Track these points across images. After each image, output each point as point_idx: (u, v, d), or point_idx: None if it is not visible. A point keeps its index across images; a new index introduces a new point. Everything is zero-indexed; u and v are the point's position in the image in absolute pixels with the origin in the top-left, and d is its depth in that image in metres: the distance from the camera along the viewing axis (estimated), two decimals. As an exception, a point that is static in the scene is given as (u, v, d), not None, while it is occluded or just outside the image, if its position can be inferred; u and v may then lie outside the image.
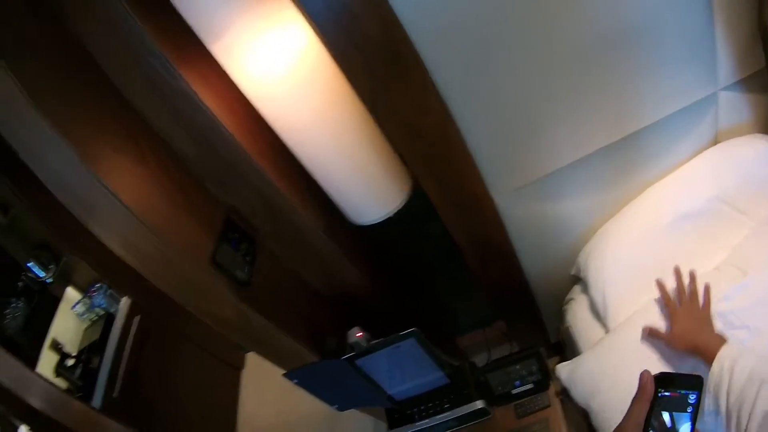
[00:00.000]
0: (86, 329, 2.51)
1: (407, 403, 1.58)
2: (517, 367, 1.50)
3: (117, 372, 2.33)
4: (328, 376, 1.49)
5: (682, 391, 0.64)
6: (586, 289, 1.50)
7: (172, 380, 2.57)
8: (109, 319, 2.44)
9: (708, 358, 1.03)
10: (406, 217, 1.40)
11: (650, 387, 0.64)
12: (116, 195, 1.05)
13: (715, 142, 1.45)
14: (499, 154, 1.29)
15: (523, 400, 1.55)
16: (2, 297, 2.22)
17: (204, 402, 2.74)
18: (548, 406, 1.53)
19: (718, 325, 1.17)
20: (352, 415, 1.88)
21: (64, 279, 2.46)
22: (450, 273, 1.87)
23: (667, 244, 1.38)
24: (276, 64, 1.11)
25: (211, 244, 1.27)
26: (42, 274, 2.37)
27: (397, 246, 1.77)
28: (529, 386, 1.53)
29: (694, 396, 0.63)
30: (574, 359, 1.42)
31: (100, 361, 2.34)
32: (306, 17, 1.08)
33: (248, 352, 3.09)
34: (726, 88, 1.34)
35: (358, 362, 1.42)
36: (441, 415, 1.53)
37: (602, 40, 1.14)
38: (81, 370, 2.35)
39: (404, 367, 1.48)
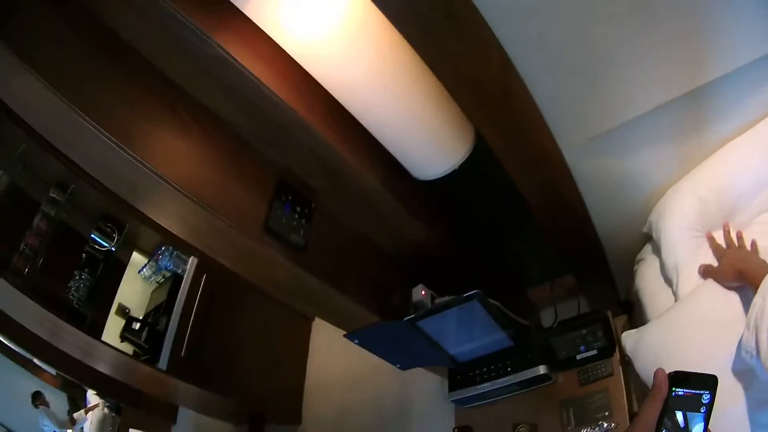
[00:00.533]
0: (153, 291, 2.60)
1: (470, 365, 1.56)
2: (583, 332, 1.44)
3: (185, 332, 2.40)
4: (390, 337, 1.48)
5: (697, 391, 0.64)
6: (657, 250, 1.41)
7: (242, 334, 2.61)
8: (176, 279, 2.50)
9: (755, 283, 1.01)
10: (472, 167, 1.33)
11: (665, 386, 0.64)
12: (161, 174, 1.04)
13: None
14: (567, 104, 1.19)
15: (587, 366, 1.48)
16: (66, 271, 2.33)
17: (274, 354, 2.78)
18: (612, 374, 1.45)
19: None
20: (419, 371, 1.88)
21: (129, 245, 2.55)
22: (519, 224, 1.78)
23: (745, 206, 1.28)
24: (319, 23, 1.05)
25: (264, 209, 1.25)
26: (106, 243, 2.46)
27: (462, 198, 1.70)
28: (594, 352, 1.46)
29: (708, 396, 0.63)
30: (639, 329, 1.34)
31: (167, 323, 2.43)
32: None
33: None
34: None
35: (420, 323, 1.39)
36: (503, 379, 1.50)
37: None
38: (147, 332, 2.45)
39: (467, 329, 1.45)
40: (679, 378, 0.65)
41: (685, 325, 1.23)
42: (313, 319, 3.12)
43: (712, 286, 1.22)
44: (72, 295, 2.22)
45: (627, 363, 1.39)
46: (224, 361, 2.54)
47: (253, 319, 2.75)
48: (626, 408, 1.38)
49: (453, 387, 1.58)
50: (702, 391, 0.64)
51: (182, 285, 2.53)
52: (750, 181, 1.29)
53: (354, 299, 1.41)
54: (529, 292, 2.11)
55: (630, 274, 1.57)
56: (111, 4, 1.06)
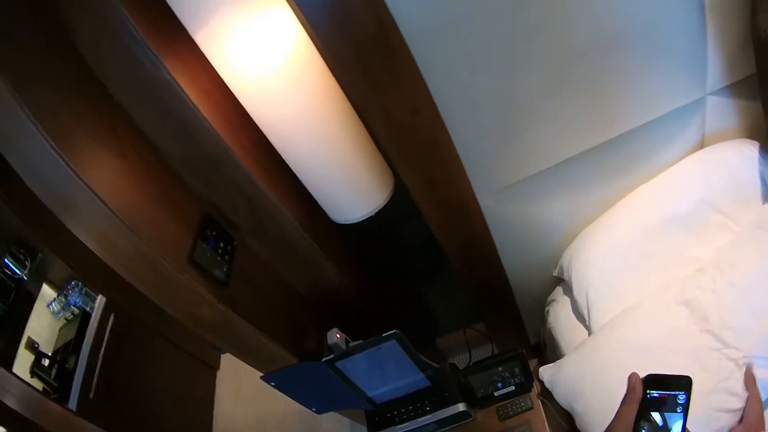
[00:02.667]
0: (62, 328, 2.45)
1: (388, 406, 1.57)
2: (500, 369, 1.49)
3: (93, 372, 2.29)
4: (307, 379, 1.46)
5: (671, 392, 0.64)
6: (569, 290, 1.50)
7: (147, 379, 2.54)
8: (84, 317, 2.38)
9: None
10: (388, 216, 1.38)
11: (639, 388, 0.65)
12: (93, 189, 0.99)
13: (702, 145, 1.46)
14: (485, 155, 1.28)
15: (506, 402, 1.54)
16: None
17: (180, 402, 2.70)
18: (531, 408, 1.52)
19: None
20: (330, 416, 1.86)
21: (40, 276, 2.39)
22: (431, 273, 1.86)
23: (652, 246, 1.38)
24: (263, 59, 1.08)
25: (189, 241, 1.23)
26: (18, 270, 2.30)
27: (378, 245, 1.75)
28: (511, 388, 1.52)
29: (684, 396, 0.63)
30: (557, 362, 1.42)
31: (76, 362, 2.29)
32: (297, 7, 1.04)
33: (224, 352, 3.06)
34: (714, 93, 1.35)
35: (338, 365, 1.39)
36: (422, 418, 1.51)
37: (593, 42, 1.14)
38: (56, 370, 2.29)
39: (385, 369, 1.46)
40: (653, 380, 0.66)
41: (603, 355, 1.31)
42: (218, 368, 3.08)
43: (626, 318, 1.31)
44: (-17, 320, 2.05)
45: (546, 395, 1.46)
46: (133, 405, 2.42)
47: (160, 365, 2.68)
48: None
49: (372, 429, 1.57)
50: (677, 392, 0.64)
51: (90, 323, 2.41)
52: (654, 222, 1.39)
53: (273, 340, 1.39)
54: (438, 342, 2.17)
55: (541, 316, 1.66)
56: (72, 4, 1.04)
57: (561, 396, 1.38)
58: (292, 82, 1.11)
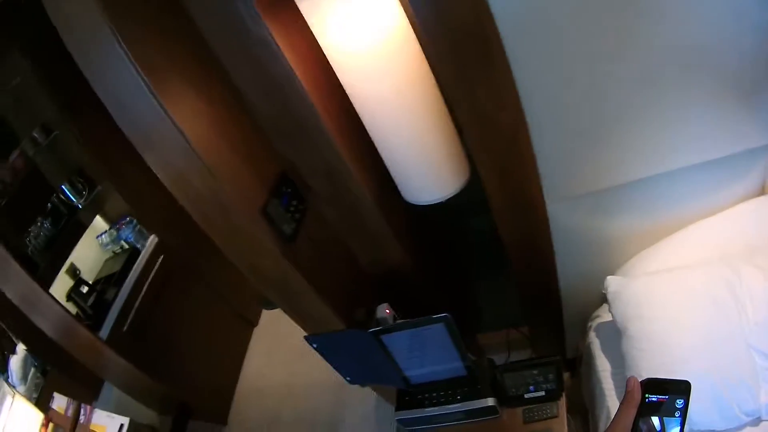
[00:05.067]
0: (107, 260, 2.54)
1: (420, 388, 1.60)
2: (534, 372, 1.51)
3: (131, 308, 2.36)
4: (350, 347, 1.51)
5: (670, 396, 0.64)
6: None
7: (183, 324, 2.59)
8: (133, 254, 2.46)
9: None
10: (460, 208, 1.41)
11: (637, 392, 0.65)
12: (177, 125, 1.04)
13: (762, 192, 1.47)
14: (562, 161, 1.30)
15: (533, 405, 1.55)
16: (29, 216, 2.25)
17: (211, 351, 2.76)
18: (556, 416, 1.53)
19: None
20: (357, 389, 1.90)
21: (95, 207, 2.49)
22: (487, 271, 1.88)
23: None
24: (362, 34, 1.12)
25: (263, 195, 1.28)
26: (74, 198, 2.40)
27: (444, 232, 1.78)
28: (542, 393, 1.54)
29: (682, 401, 0.64)
30: (627, 277, 1.44)
31: (116, 294, 2.37)
32: None
33: (271, 309, 3.10)
34: None
35: (384, 338, 1.43)
36: (451, 406, 1.54)
37: (688, 57, 1.13)
38: (94, 299, 2.38)
39: (426, 351, 1.49)
40: (652, 384, 0.65)
41: (675, 290, 1.35)
42: (256, 324, 3.12)
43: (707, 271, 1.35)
44: (29, 241, 2.14)
45: (574, 408, 1.47)
46: (163, 346, 2.50)
47: (199, 313, 2.74)
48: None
49: (400, 407, 1.61)
50: (675, 397, 0.64)
51: (138, 260, 2.49)
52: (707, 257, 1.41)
53: (327, 303, 1.45)
54: (478, 337, 2.19)
55: (583, 331, 1.68)
56: None
57: (619, 311, 1.41)
58: (388, 61, 1.15)
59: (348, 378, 1.65)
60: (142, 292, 2.39)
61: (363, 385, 1.70)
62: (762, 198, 1.44)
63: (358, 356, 1.54)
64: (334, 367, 1.60)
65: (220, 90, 1.23)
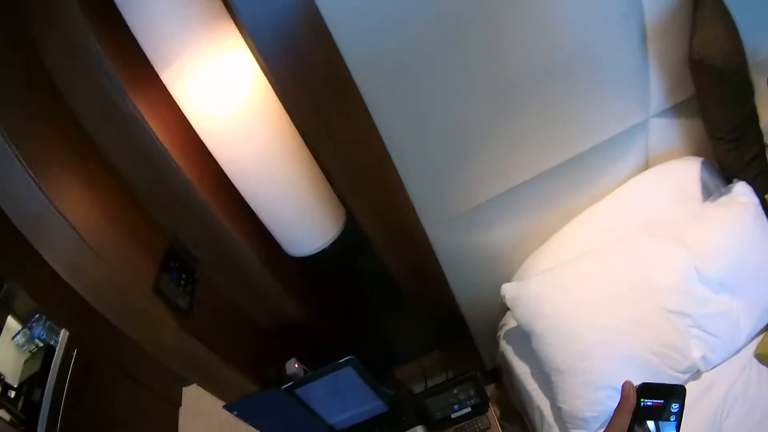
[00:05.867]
0: (26, 361, 2.44)
1: (348, 432, 1.61)
2: (454, 391, 1.54)
3: (59, 406, 2.27)
4: (269, 407, 1.50)
5: (665, 401, 0.64)
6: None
7: (111, 415, 2.50)
8: (48, 351, 2.37)
9: None
10: (345, 250, 1.45)
11: (632, 397, 0.65)
12: (65, 216, 1.05)
13: (647, 166, 1.56)
14: (431, 187, 1.37)
15: (464, 422, 1.59)
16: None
17: None
18: (489, 427, 1.57)
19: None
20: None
21: (5, 308, 2.39)
22: (388, 303, 1.91)
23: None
24: (222, 99, 1.17)
25: (153, 272, 1.29)
26: (-16, 301, 2.30)
27: (338, 278, 1.81)
28: (468, 410, 1.57)
29: (677, 405, 0.63)
30: (522, 281, 1.48)
31: (42, 395, 2.28)
32: (255, 50, 1.13)
33: (187, 385, 3.03)
34: (657, 115, 1.46)
35: (298, 392, 1.44)
36: (382, 442, 1.56)
37: (535, 72, 1.24)
38: (23, 402, 2.28)
39: (343, 396, 1.51)
40: (647, 389, 0.65)
41: (566, 280, 1.42)
42: (180, 404, 3.05)
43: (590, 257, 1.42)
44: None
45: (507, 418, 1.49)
46: (98, 439, 2.39)
47: (123, 403, 2.64)
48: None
49: (334, 456, 1.61)
50: (670, 401, 0.64)
51: (54, 358, 2.40)
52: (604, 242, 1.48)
53: (235, 368, 1.44)
54: (395, 371, 2.22)
55: (494, 341, 1.73)
56: (44, 36, 1.10)
57: (521, 315, 1.45)
58: (249, 121, 1.21)
59: (276, 438, 1.63)
60: (65, 390, 2.30)
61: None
62: (646, 172, 1.54)
63: (279, 415, 1.53)
64: (260, 430, 1.58)
65: (101, 172, 1.25)
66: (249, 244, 1.39)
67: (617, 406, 0.66)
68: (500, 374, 1.82)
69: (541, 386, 1.54)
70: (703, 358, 1.39)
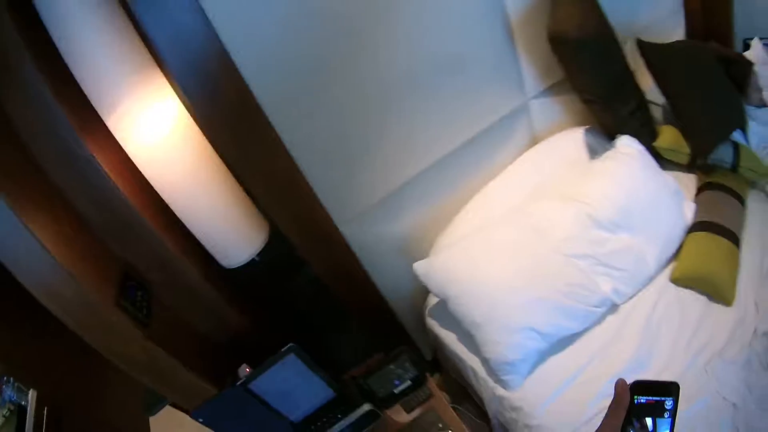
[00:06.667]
0: (2, 426, 2.47)
1: (306, 422, 1.75)
2: (391, 367, 1.70)
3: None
4: (232, 410, 1.65)
5: (658, 398, 0.64)
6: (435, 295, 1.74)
7: None
8: (21, 412, 2.42)
9: None
10: (283, 261, 1.65)
11: (626, 394, 0.64)
12: (42, 243, 1.27)
13: (535, 142, 1.79)
14: (337, 189, 1.58)
15: (408, 396, 1.74)
16: None
17: None
18: (432, 395, 1.72)
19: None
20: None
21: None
22: (329, 311, 2.05)
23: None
24: (154, 133, 1.44)
25: (114, 290, 1.50)
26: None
27: (277, 289, 1.99)
28: (408, 383, 1.73)
29: (671, 402, 0.63)
30: (429, 258, 1.64)
31: (22, 458, 2.31)
32: (180, 92, 1.40)
33: (155, 413, 2.97)
34: (535, 97, 1.69)
35: (252, 387, 1.60)
36: (336, 425, 1.69)
37: (416, 73, 1.46)
38: (4, 468, 2.30)
39: (296, 388, 1.67)
40: (641, 386, 0.65)
41: (471, 248, 1.57)
42: None
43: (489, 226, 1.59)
44: None
45: (451, 401, 1.64)
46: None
47: None
48: (456, 415, 1.65)
49: (295, 448, 1.73)
50: (664, 398, 0.64)
51: (27, 419, 2.46)
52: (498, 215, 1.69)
53: (195, 373, 1.62)
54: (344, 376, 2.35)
55: (425, 327, 1.89)
56: (7, 87, 1.32)
57: (435, 285, 1.60)
58: (176, 149, 1.48)
59: (242, 441, 1.77)
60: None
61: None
62: (533, 149, 1.76)
63: (242, 415, 1.67)
64: (227, 436, 1.72)
65: (61, 207, 1.46)
66: (189, 260, 1.63)
67: (611, 404, 0.65)
68: (440, 360, 1.98)
69: (467, 346, 1.70)
70: (615, 290, 1.56)
